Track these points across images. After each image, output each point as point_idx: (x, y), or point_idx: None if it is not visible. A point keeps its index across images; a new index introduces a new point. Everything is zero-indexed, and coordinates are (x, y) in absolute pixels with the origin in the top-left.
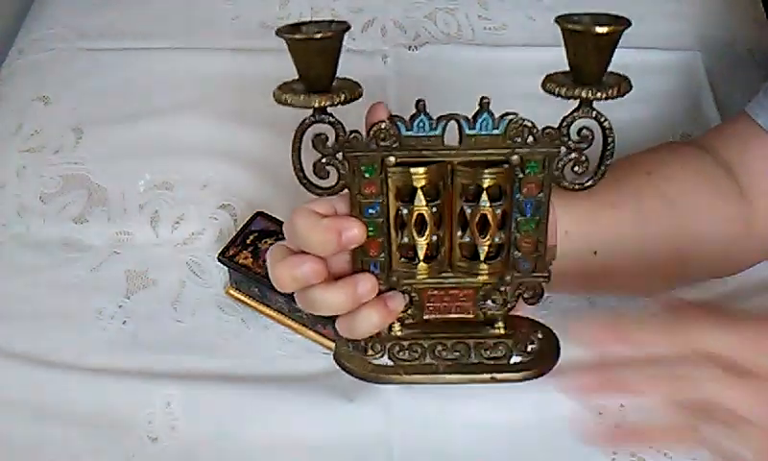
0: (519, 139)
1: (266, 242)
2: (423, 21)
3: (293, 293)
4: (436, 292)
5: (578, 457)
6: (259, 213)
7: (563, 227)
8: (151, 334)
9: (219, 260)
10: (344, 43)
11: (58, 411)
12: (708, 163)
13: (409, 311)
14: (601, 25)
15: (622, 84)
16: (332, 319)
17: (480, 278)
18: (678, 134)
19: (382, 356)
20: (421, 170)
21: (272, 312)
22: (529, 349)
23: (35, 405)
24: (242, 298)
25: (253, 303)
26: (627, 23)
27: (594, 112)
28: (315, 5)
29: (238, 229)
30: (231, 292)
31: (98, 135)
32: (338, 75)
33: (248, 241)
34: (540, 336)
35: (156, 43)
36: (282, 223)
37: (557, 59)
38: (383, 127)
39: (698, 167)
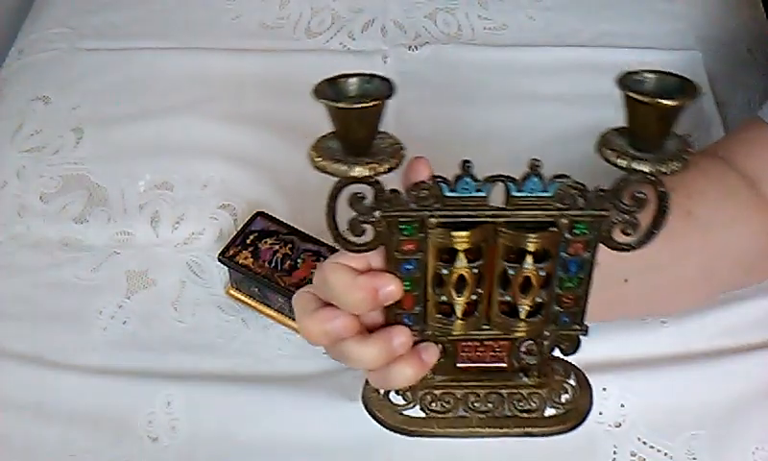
0: (569, 202)
1: (266, 242)
2: (423, 21)
3: (292, 293)
4: (470, 343)
5: (579, 458)
6: (259, 213)
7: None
8: (151, 334)
9: (219, 260)
10: (346, 45)
11: (58, 411)
12: (728, 175)
13: (442, 360)
14: (668, 94)
15: (684, 155)
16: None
17: (518, 334)
18: None
19: (414, 406)
20: (464, 234)
21: (272, 312)
22: (563, 399)
23: (35, 405)
24: (242, 298)
25: (253, 303)
26: (696, 93)
27: (653, 178)
28: (315, 5)
29: (238, 229)
30: (231, 292)
31: (98, 135)
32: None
33: (248, 241)
34: (572, 383)
35: (156, 43)
36: (283, 223)
37: (557, 59)
38: (425, 187)
39: (720, 179)
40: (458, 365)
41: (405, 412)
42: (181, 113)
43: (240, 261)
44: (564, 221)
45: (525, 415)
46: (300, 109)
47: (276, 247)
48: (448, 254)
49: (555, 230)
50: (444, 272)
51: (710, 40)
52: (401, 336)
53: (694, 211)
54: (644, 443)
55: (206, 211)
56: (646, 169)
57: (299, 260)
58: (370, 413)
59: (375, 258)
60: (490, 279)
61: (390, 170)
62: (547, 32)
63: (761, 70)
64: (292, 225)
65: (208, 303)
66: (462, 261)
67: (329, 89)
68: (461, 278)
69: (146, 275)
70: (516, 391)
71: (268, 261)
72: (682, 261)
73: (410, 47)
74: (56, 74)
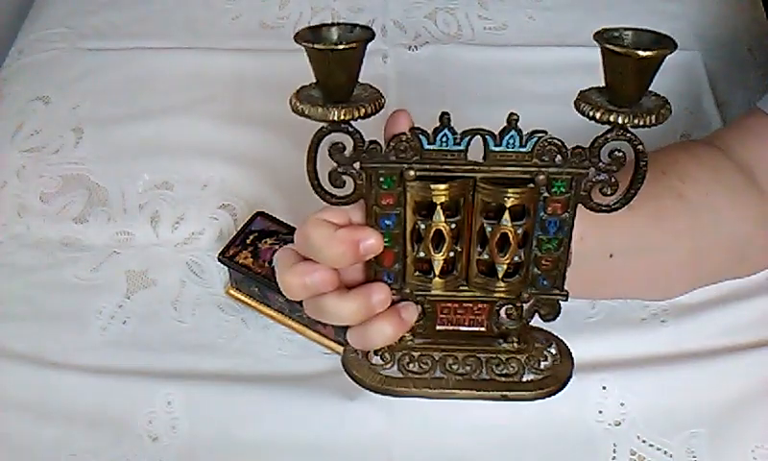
0: (547, 158)
1: (266, 242)
2: (423, 21)
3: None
4: (450, 304)
5: (578, 457)
6: (259, 213)
7: (578, 231)
8: (151, 334)
9: (219, 260)
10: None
11: (58, 411)
12: (723, 162)
13: (421, 321)
14: (644, 48)
15: (661, 110)
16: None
17: (496, 294)
18: (678, 134)
19: (392, 367)
20: (442, 186)
21: (272, 312)
22: (542, 366)
23: (35, 405)
24: (242, 298)
25: (253, 303)
26: (673, 46)
27: (629, 135)
28: (315, 5)
29: (238, 229)
30: (231, 292)
31: (98, 135)
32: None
33: (248, 241)
34: (553, 352)
35: (156, 43)
36: (283, 223)
37: (557, 59)
38: (404, 140)
39: (713, 166)
40: (437, 328)
41: (383, 373)
42: (181, 113)
43: (240, 261)
44: (542, 177)
45: (503, 379)
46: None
47: (276, 247)
48: (427, 210)
49: (533, 186)
50: (422, 226)
51: (710, 40)
52: (380, 293)
53: (686, 195)
54: (644, 441)
55: (206, 211)
56: (621, 121)
57: None
58: (348, 374)
59: (356, 214)
60: (468, 236)
61: (367, 115)
62: (547, 32)
63: (761, 70)
64: (292, 225)
65: (208, 303)
66: (439, 215)
67: (311, 35)
68: (439, 233)
69: (146, 275)
70: (494, 355)
71: (268, 261)
72: (671, 243)
73: (410, 47)
74: (56, 74)
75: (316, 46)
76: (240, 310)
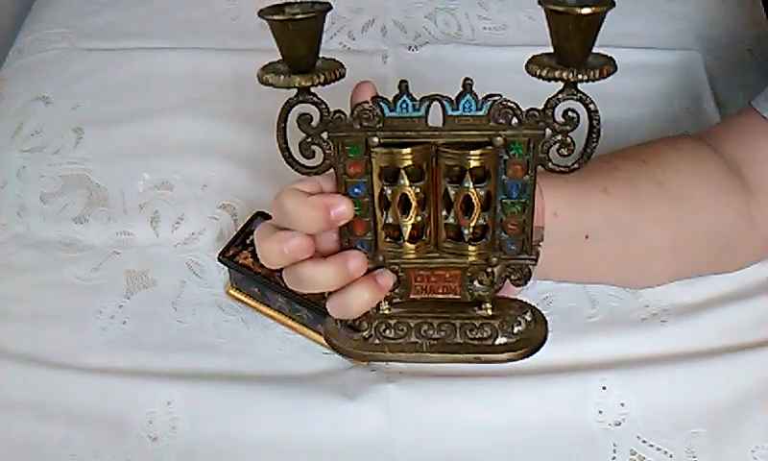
0: (503, 121)
1: None
2: (423, 21)
3: (294, 292)
4: (423, 272)
5: (578, 457)
6: (259, 213)
7: (551, 208)
8: (151, 334)
9: (219, 260)
10: (346, 45)
11: (58, 411)
12: (708, 155)
13: (396, 290)
14: (583, 5)
15: (606, 66)
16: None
17: (467, 259)
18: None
19: (369, 334)
20: (405, 151)
21: (272, 312)
22: (515, 330)
23: (35, 405)
24: (242, 298)
25: (253, 303)
26: (611, 4)
27: (579, 95)
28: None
29: (238, 229)
30: (231, 292)
31: (98, 135)
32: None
33: (248, 241)
34: (527, 318)
35: (156, 43)
36: None
37: None
38: (366, 107)
39: (697, 158)
40: (412, 296)
41: (360, 339)
42: (181, 113)
43: (240, 261)
44: (499, 139)
45: (476, 342)
46: (300, 108)
47: None
48: (393, 177)
49: (491, 148)
50: (389, 192)
51: (710, 40)
52: (356, 259)
53: (665, 183)
54: (644, 441)
55: (206, 211)
56: (565, 76)
57: None
58: (329, 343)
59: (327, 184)
60: (435, 200)
61: (327, 82)
62: (547, 32)
63: (761, 70)
64: None
65: (208, 303)
66: (404, 179)
67: (274, 11)
68: (405, 198)
69: (146, 275)
70: (468, 321)
71: None
72: (648, 228)
73: (410, 47)
74: (56, 74)
75: (276, 17)
76: (240, 310)
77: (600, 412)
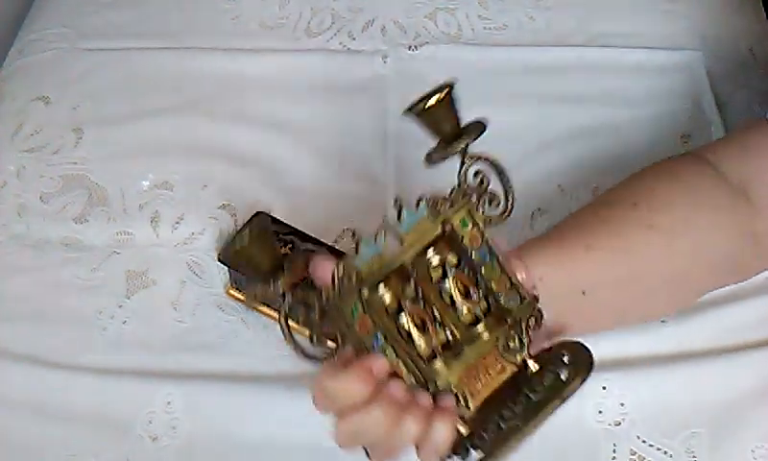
0: (441, 210)
1: None
2: (423, 21)
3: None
4: (472, 372)
5: (578, 457)
6: (259, 213)
7: (536, 274)
8: (151, 334)
9: (219, 260)
10: (346, 45)
11: (58, 411)
12: (707, 181)
13: (462, 406)
14: (429, 97)
15: (477, 125)
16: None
17: (491, 335)
18: (678, 135)
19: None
20: (383, 289)
21: (272, 312)
22: (566, 360)
23: (35, 405)
24: (242, 298)
25: (253, 303)
26: (450, 87)
27: (475, 158)
28: (315, 5)
29: (238, 229)
30: (231, 292)
31: (98, 135)
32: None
33: None
34: (566, 360)
35: (156, 43)
36: (283, 223)
37: (557, 59)
38: (341, 274)
39: (695, 188)
40: (477, 403)
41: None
42: (181, 113)
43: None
44: (447, 227)
45: (546, 391)
46: (300, 108)
47: (276, 247)
48: (396, 312)
49: (444, 237)
50: (401, 322)
51: (711, 40)
52: (425, 399)
53: (657, 224)
54: (644, 441)
55: (206, 211)
56: (453, 148)
57: None
58: None
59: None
60: (440, 307)
61: (302, 279)
62: (547, 32)
63: (762, 70)
64: (292, 225)
65: (208, 303)
66: (407, 307)
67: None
68: (419, 321)
69: (146, 275)
70: (528, 384)
71: None
72: (643, 275)
73: (410, 47)
74: (56, 74)
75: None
76: (240, 310)
77: (600, 412)
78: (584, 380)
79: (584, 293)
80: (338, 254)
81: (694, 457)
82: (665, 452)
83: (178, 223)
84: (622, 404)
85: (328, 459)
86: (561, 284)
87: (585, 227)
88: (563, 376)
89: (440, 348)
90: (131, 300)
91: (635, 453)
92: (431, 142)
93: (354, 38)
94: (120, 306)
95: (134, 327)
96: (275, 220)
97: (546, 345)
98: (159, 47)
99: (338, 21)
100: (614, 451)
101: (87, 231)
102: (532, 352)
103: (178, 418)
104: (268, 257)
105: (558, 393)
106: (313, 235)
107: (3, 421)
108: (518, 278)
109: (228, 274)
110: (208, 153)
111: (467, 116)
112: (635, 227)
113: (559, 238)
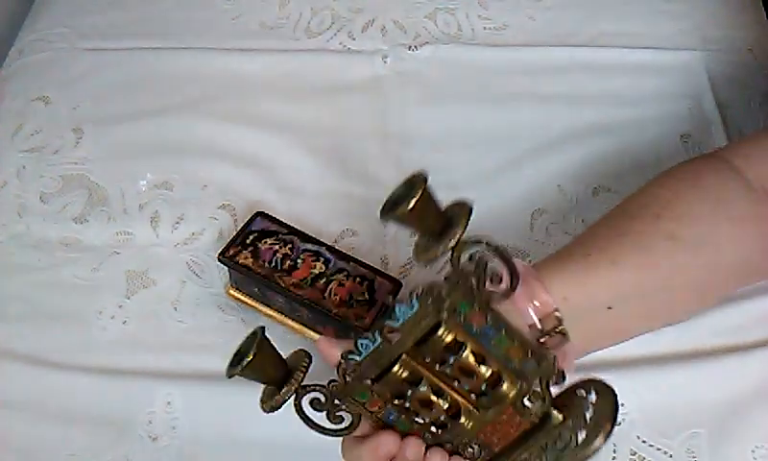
0: (437, 302)
1: (266, 242)
2: (423, 21)
3: (294, 292)
4: (488, 428)
5: None
6: (259, 213)
7: (560, 294)
8: (151, 334)
9: (219, 260)
10: (346, 45)
11: (58, 411)
12: (729, 189)
13: (483, 455)
14: (409, 199)
15: (464, 212)
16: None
17: (508, 397)
18: (678, 135)
19: None
20: (395, 369)
21: (272, 312)
22: (588, 418)
23: (35, 405)
24: (242, 298)
25: (253, 303)
26: (424, 179)
27: (469, 242)
28: (315, 5)
29: (238, 229)
30: (231, 292)
31: (98, 135)
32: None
33: (248, 241)
34: (593, 400)
35: (156, 43)
36: (283, 223)
37: (557, 59)
38: (344, 366)
39: (717, 196)
40: (496, 454)
41: None
42: (181, 113)
43: (240, 261)
44: (445, 313)
45: (565, 447)
46: (300, 108)
47: (276, 247)
48: (410, 383)
49: (447, 320)
50: (410, 395)
51: (712, 41)
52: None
53: (679, 234)
54: (644, 441)
55: (206, 211)
56: (443, 248)
57: (298, 260)
58: None
59: (365, 428)
60: (453, 378)
61: (302, 382)
62: (547, 32)
63: (762, 71)
64: (292, 225)
65: (208, 303)
66: (424, 386)
67: (233, 368)
68: (430, 393)
69: (146, 275)
70: (548, 436)
71: (268, 261)
72: (667, 285)
73: (410, 47)
74: (56, 74)
75: (233, 372)
76: (240, 310)
77: None
78: (607, 436)
79: (609, 308)
80: (338, 255)
81: (694, 457)
82: (665, 452)
83: (178, 223)
84: (622, 404)
85: (328, 459)
86: (584, 302)
87: (607, 241)
88: (580, 437)
89: (453, 410)
90: (131, 300)
91: (635, 453)
92: (431, 142)
93: (354, 38)
94: (120, 306)
95: (134, 327)
96: (275, 220)
97: (569, 380)
98: (159, 47)
99: (338, 21)
100: (614, 451)
101: (87, 231)
102: (556, 390)
103: (178, 418)
104: (274, 367)
105: (574, 455)
106: (313, 235)
107: (3, 421)
108: (536, 343)
109: (228, 274)
110: (208, 153)
111: (467, 116)
112: (657, 239)
113: (582, 254)
